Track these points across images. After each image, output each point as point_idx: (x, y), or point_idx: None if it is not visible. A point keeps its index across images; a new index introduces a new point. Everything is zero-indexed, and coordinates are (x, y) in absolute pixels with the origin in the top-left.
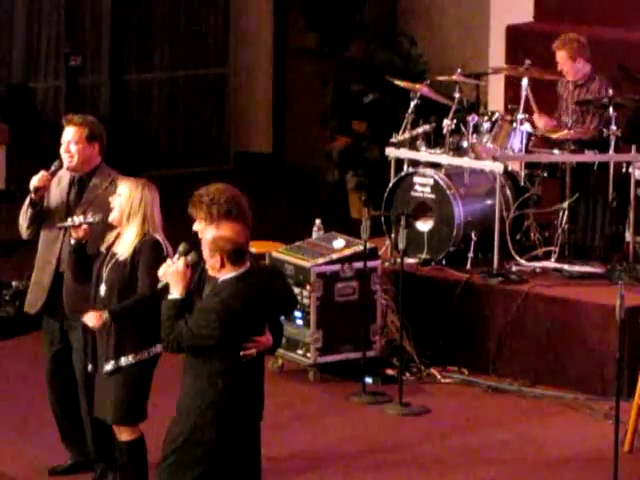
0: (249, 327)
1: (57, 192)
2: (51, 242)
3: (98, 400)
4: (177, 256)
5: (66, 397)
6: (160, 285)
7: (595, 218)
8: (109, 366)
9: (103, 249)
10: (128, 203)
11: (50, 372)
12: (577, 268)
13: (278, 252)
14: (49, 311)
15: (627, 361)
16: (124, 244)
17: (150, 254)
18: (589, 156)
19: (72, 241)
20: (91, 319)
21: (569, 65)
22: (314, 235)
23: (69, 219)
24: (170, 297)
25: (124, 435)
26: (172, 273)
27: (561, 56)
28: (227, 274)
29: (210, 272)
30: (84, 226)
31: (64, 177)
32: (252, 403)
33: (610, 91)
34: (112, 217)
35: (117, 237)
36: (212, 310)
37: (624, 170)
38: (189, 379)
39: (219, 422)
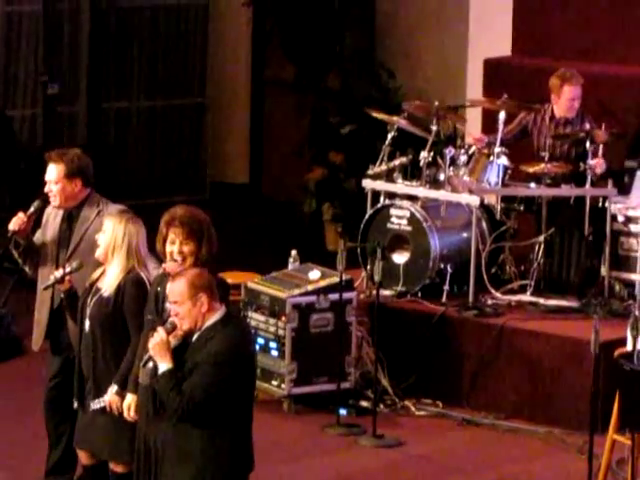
0: (252, 367)
1: (52, 227)
2: (45, 280)
3: (90, 435)
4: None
5: (59, 427)
6: (144, 361)
7: (571, 252)
8: (98, 405)
9: (87, 285)
10: (112, 238)
11: (47, 402)
12: (552, 302)
13: (253, 282)
14: (52, 347)
15: (601, 395)
16: (108, 280)
17: (134, 295)
18: (565, 190)
19: (62, 295)
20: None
21: (578, 102)
22: (290, 266)
23: (51, 277)
24: (162, 370)
25: (120, 467)
26: (155, 346)
27: (577, 91)
28: (211, 317)
29: (196, 325)
30: (67, 277)
31: (60, 210)
32: (251, 451)
33: (588, 125)
34: (98, 253)
35: (102, 273)
36: (217, 357)
37: (600, 204)
38: (194, 443)
39: (232, 471)
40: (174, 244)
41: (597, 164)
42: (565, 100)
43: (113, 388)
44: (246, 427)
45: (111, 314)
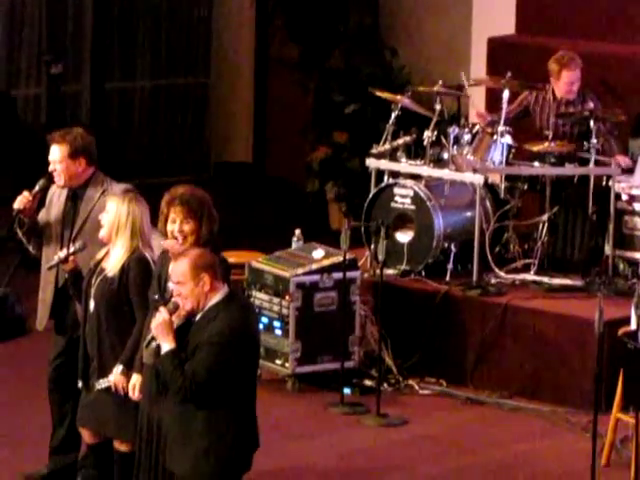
0: (256, 346)
1: (56, 207)
2: (50, 260)
3: (93, 413)
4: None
5: (63, 406)
6: (147, 341)
7: (575, 231)
8: (104, 384)
9: (92, 265)
10: (115, 219)
11: (51, 381)
12: (556, 281)
13: (257, 262)
14: (56, 327)
15: (605, 374)
16: (113, 260)
17: (139, 275)
18: (569, 169)
19: (66, 275)
20: (118, 385)
21: (577, 85)
22: (294, 245)
23: (55, 256)
24: (165, 350)
25: (124, 446)
26: (158, 326)
27: (576, 75)
28: (214, 297)
29: (199, 305)
30: (70, 257)
31: (64, 190)
32: (255, 429)
33: (591, 104)
34: (102, 234)
35: (107, 253)
36: (219, 337)
37: (604, 183)
38: (197, 423)
39: (236, 450)
40: (174, 223)
41: (622, 160)
42: (563, 84)
43: (118, 368)
44: (250, 406)
45: (116, 294)
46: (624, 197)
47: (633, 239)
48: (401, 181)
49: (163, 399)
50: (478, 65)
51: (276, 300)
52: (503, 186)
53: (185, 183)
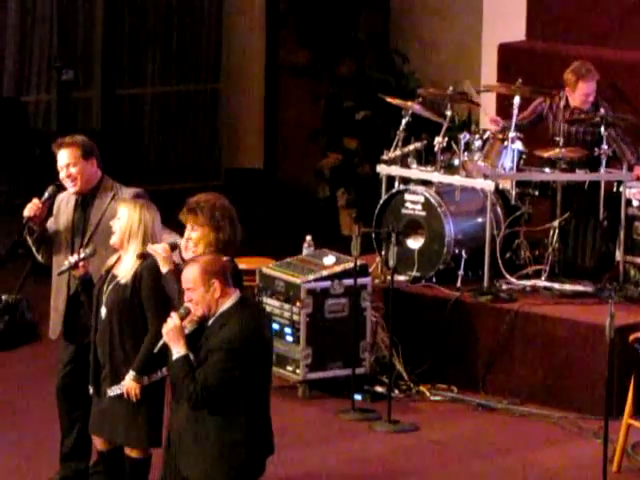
0: (268, 351)
1: (64, 214)
2: (60, 267)
3: (106, 421)
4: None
5: (73, 413)
6: (157, 347)
7: (586, 237)
8: (116, 391)
9: (103, 271)
10: (127, 225)
11: (60, 389)
12: (567, 287)
13: (268, 268)
14: (66, 334)
15: (616, 380)
16: (125, 267)
17: (151, 283)
18: (580, 175)
19: (77, 281)
20: (130, 391)
21: (593, 96)
22: (304, 251)
23: (65, 262)
24: (176, 356)
25: (135, 453)
26: (169, 332)
27: (592, 87)
28: (225, 303)
29: (210, 310)
30: (81, 263)
31: (72, 197)
32: (270, 435)
33: (602, 110)
34: (113, 240)
35: (118, 259)
36: (231, 342)
37: (615, 189)
38: (210, 429)
39: (249, 456)
40: (187, 230)
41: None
42: (579, 95)
43: (131, 374)
44: (264, 411)
45: (128, 301)
46: (635, 203)
47: None
48: (412, 187)
49: (177, 404)
50: (489, 71)
51: (287, 306)
52: (514, 192)
53: (197, 190)
